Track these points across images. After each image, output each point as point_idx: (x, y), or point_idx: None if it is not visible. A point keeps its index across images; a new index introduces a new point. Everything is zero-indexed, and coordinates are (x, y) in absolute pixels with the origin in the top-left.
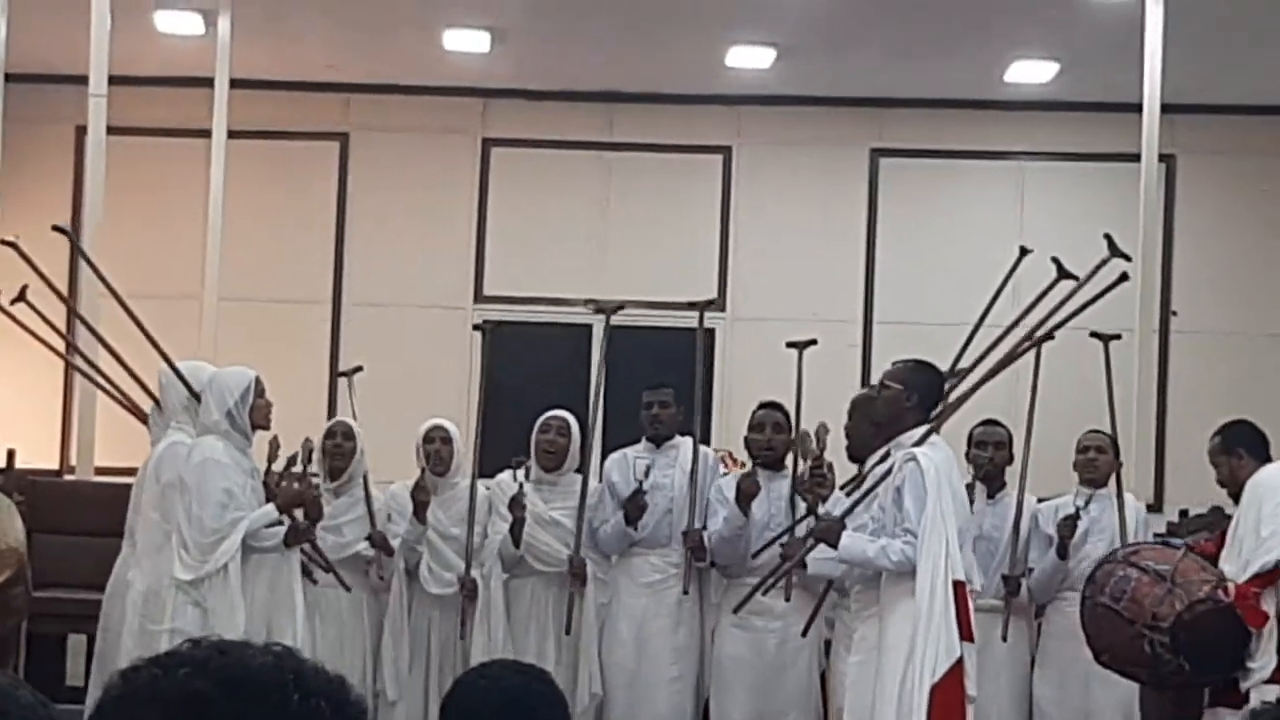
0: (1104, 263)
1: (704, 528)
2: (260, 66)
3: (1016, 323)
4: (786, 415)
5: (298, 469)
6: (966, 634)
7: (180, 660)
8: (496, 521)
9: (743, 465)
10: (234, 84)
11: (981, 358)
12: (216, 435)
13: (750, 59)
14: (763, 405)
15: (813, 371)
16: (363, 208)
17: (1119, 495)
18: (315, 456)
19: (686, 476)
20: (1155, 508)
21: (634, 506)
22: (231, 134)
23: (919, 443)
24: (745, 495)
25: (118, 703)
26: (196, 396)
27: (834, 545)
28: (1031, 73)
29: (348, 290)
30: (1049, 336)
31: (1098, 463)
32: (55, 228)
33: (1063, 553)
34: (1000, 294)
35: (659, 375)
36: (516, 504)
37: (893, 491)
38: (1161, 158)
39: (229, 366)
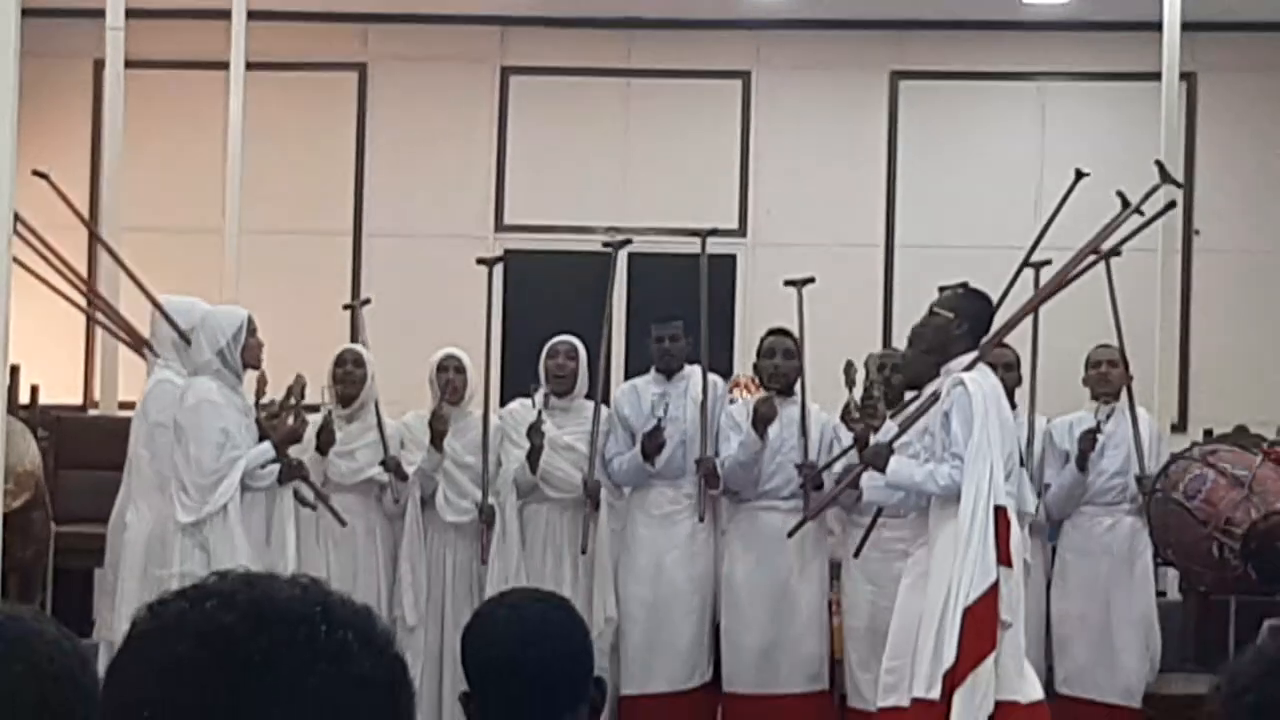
0: (1155, 189)
1: (717, 454)
2: None
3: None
4: (795, 340)
5: (292, 403)
6: (1005, 558)
7: (207, 593)
8: (509, 449)
9: (754, 381)
10: (251, 15)
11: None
12: (209, 375)
13: None
14: (771, 332)
15: (838, 296)
16: (382, 138)
17: (1131, 409)
18: (307, 391)
19: (698, 407)
20: (1180, 428)
21: (652, 443)
22: (250, 65)
23: (968, 369)
24: (763, 419)
25: (146, 636)
26: (184, 336)
27: (882, 470)
28: None
29: (368, 221)
30: (1115, 252)
31: (1110, 376)
32: (35, 172)
33: (1083, 465)
34: (1054, 219)
35: (678, 301)
36: (535, 431)
37: (940, 416)
38: (1182, 76)
39: (224, 306)
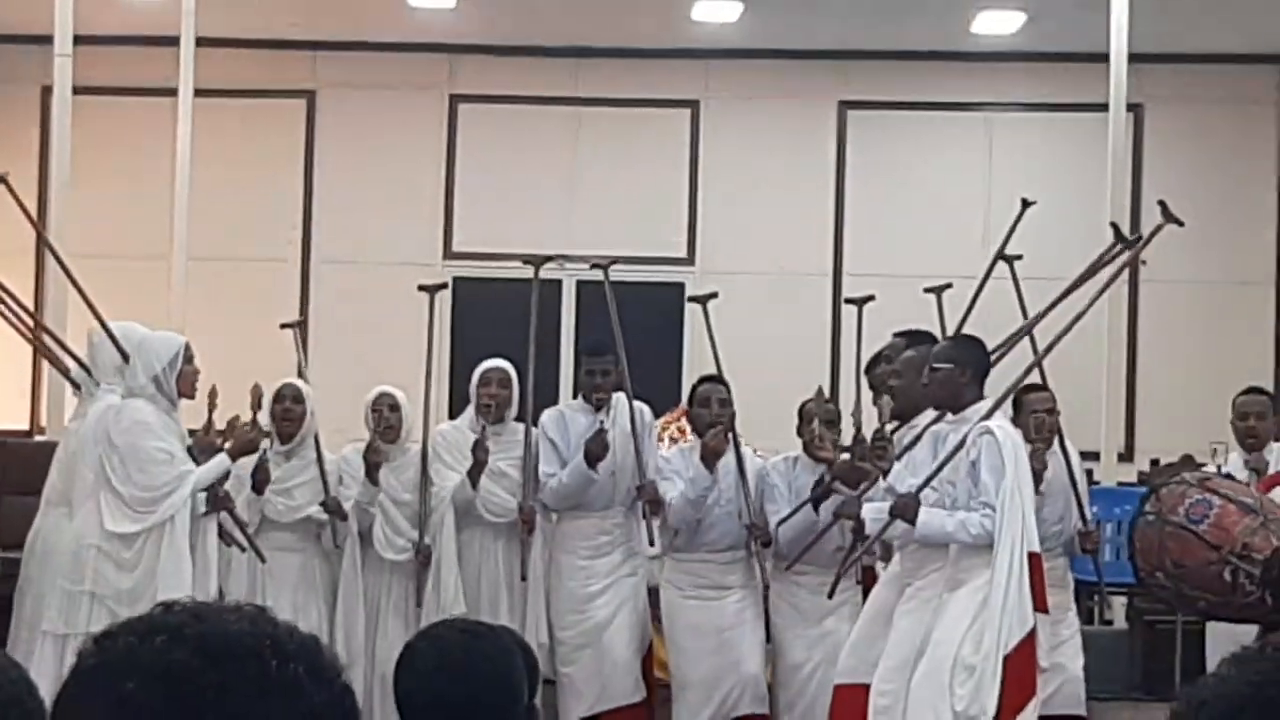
0: (1159, 228)
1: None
2: (225, 25)
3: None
4: (728, 388)
5: (248, 417)
6: (1040, 604)
7: (155, 627)
8: (443, 471)
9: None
10: (200, 42)
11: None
12: (144, 399)
13: (716, 12)
14: (704, 380)
15: (786, 324)
16: (330, 165)
17: (1063, 447)
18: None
19: (627, 437)
20: (1126, 457)
21: (598, 445)
22: (198, 92)
23: (987, 416)
24: (713, 453)
25: (94, 672)
26: (125, 357)
27: (912, 522)
28: (998, 23)
29: (316, 248)
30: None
31: (1050, 424)
32: None
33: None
34: (1004, 248)
35: (634, 330)
36: (480, 447)
37: (967, 465)
38: (1129, 107)
39: (162, 333)
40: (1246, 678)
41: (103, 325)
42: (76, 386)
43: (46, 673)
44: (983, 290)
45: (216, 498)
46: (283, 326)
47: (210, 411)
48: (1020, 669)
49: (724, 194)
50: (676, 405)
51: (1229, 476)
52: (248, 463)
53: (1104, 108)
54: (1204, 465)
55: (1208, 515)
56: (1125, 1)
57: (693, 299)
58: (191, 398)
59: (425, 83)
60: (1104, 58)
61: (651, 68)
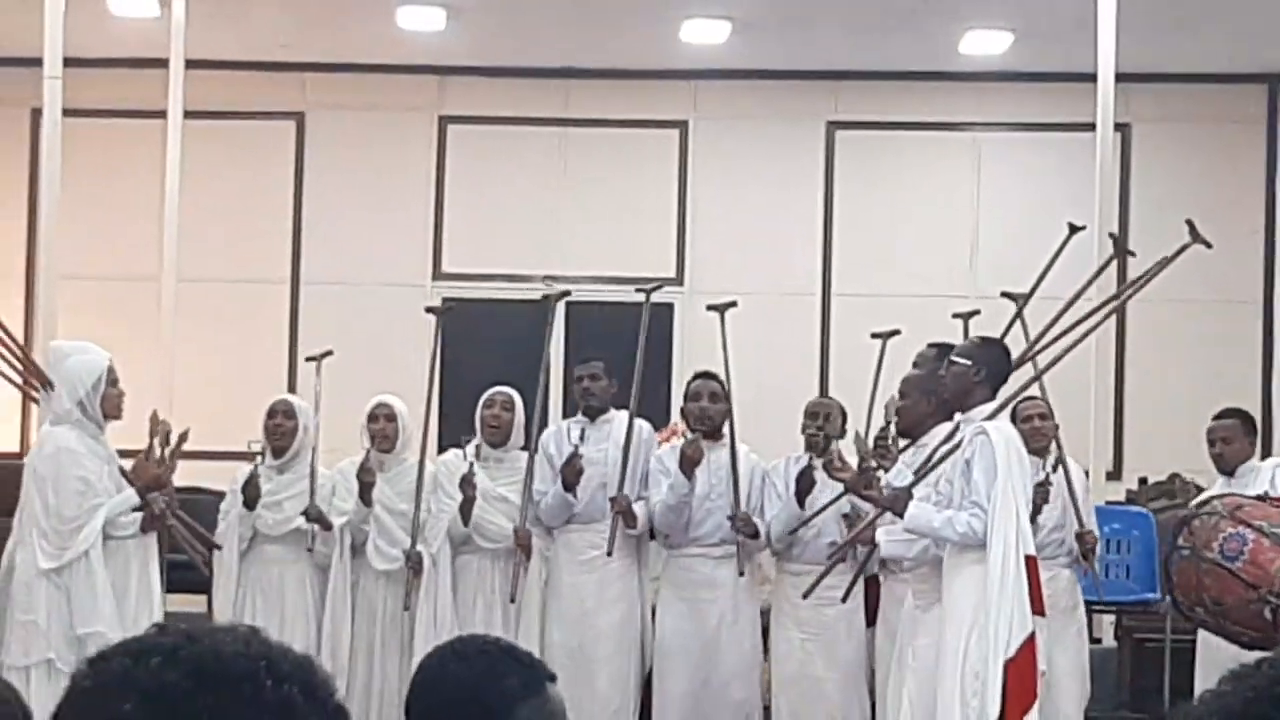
0: (1184, 248)
1: (642, 499)
2: (215, 47)
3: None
4: (722, 384)
5: (157, 452)
6: (1038, 608)
7: (149, 649)
8: (442, 499)
9: (679, 429)
10: (189, 64)
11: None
12: (69, 424)
13: (705, 34)
14: (698, 375)
15: (775, 343)
16: (320, 187)
17: (1062, 461)
18: (173, 437)
19: (620, 450)
20: (1114, 475)
21: (570, 471)
22: (187, 115)
23: (989, 418)
24: (689, 461)
25: (89, 695)
26: (48, 384)
27: (901, 514)
28: (986, 43)
29: (306, 269)
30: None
31: (1043, 430)
32: None
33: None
34: (1049, 271)
35: (615, 349)
36: (467, 482)
37: (961, 464)
38: (1117, 127)
39: (87, 353)
40: (1241, 694)
41: (23, 354)
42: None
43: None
44: (1024, 311)
45: (152, 516)
46: (309, 359)
47: (152, 438)
48: (1022, 673)
49: (713, 214)
50: (667, 424)
51: (1262, 498)
52: (241, 477)
53: (1091, 127)
54: (1192, 483)
55: (1242, 552)
56: (1113, 21)
57: (711, 307)
58: (118, 418)
59: (415, 104)
60: (1091, 78)
61: (640, 88)
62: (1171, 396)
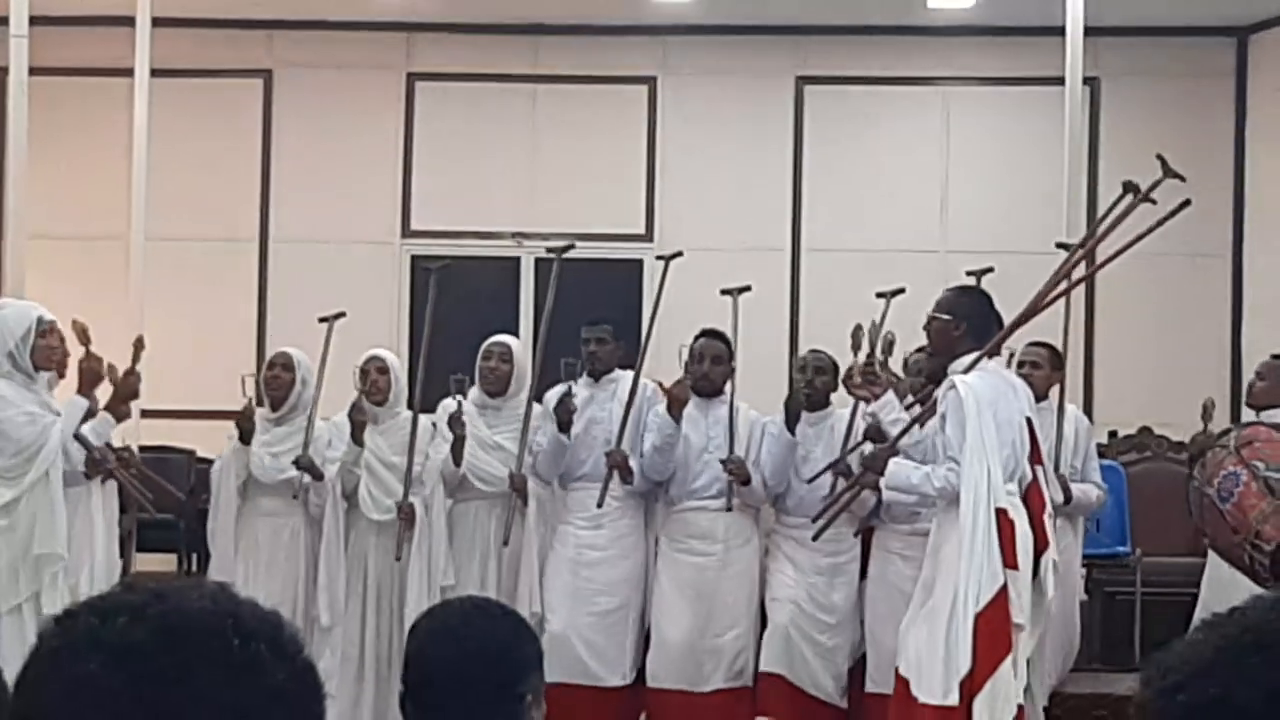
0: (1158, 182)
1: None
2: (182, 4)
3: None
4: (727, 343)
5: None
6: (1011, 561)
7: (116, 608)
8: (440, 445)
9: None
10: (156, 22)
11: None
12: (0, 378)
13: None
14: (702, 334)
15: (745, 299)
16: (288, 145)
17: (1060, 408)
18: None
19: (623, 408)
20: None
21: (563, 410)
22: (154, 73)
23: (968, 370)
24: (676, 399)
25: (55, 654)
26: None
27: (880, 473)
28: None
29: (275, 227)
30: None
31: (1032, 378)
32: None
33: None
34: (1100, 226)
35: (589, 307)
36: (456, 421)
37: (939, 419)
38: (1085, 80)
39: (13, 307)
40: (1214, 642)
41: None
42: None
43: None
44: (1060, 282)
45: (94, 461)
46: (320, 320)
47: (85, 344)
48: (993, 626)
49: (682, 170)
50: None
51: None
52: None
53: (1060, 81)
54: (1162, 437)
55: (1233, 494)
56: None
57: (659, 257)
58: (49, 369)
59: (383, 62)
60: (1060, 31)
61: (609, 45)
62: (1141, 350)
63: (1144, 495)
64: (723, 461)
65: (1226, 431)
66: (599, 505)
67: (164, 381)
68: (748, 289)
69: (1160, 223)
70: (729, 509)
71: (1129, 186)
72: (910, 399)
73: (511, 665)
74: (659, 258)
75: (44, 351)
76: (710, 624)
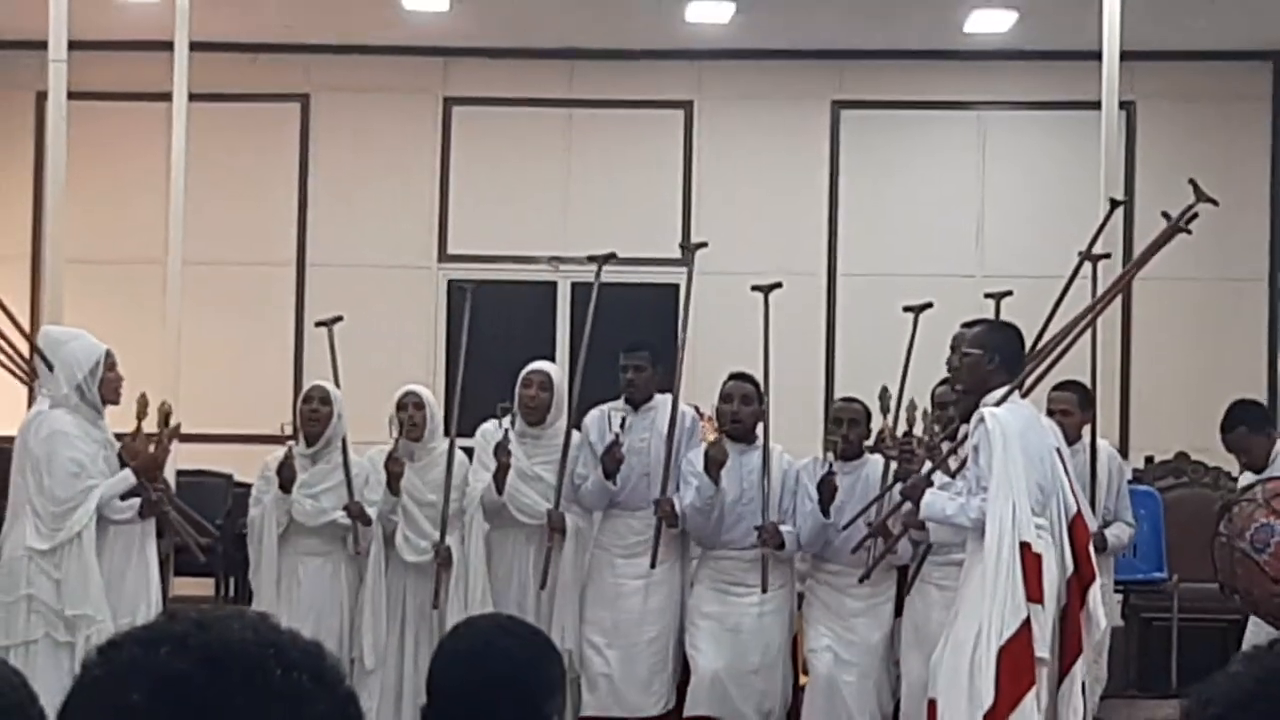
0: (1190, 207)
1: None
2: (220, 29)
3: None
4: (756, 386)
5: (152, 431)
6: (1035, 595)
7: (159, 637)
8: (479, 471)
9: (712, 421)
10: (194, 47)
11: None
12: (66, 409)
13: (710, 13)
14: (732, 377)
15: (780, 324)
16: (325, 169)
17: (1093, 447)
18: (157, 413)
19: (663, 440)
20: (1121, 454)
21: (610, 459)
22: (192, 97)
23: (999, 403)
24: (714, 463)
25: (98, 683)
26: (50, 365)
27: (917, 503)
28: (990, 21)
29: (311, 252)
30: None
31: (1064, 425)
32: None
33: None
34: (1093, 246)
35: (625, 331)
36: (502, 449)
37: (971, 452)
38: (1121, 104)
39: (82, 339)
40: (1254, 674)
41: (24, 335)
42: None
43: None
44: (1068, 292)
45: (149, 502)
46: (318, 324)
47: (139, 420)
48: (1016, 660)
49: (718, 195)
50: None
51: None
52: (273, 462)
53: (1096, 105)
54: (1199, 462)
55: (1269, 544)
56: None
57: (755, 288)
58: (116, 403)
59: (419, 86)
60: (1096, 55)
61: (645, 69)
62: (1178, 375)
63: (1180, 521)
64: (757, 529)
65: (1249, 487)
66: (652, 566)
67: (201, 405)
68: (779, 285)
69: (1156, 247)
70: (764, 590)
71: (1167, 217)
72: (938, 430)
73: (533, 686)
74: (682, 246)
75: (110, 384)
76: (742, 659)
